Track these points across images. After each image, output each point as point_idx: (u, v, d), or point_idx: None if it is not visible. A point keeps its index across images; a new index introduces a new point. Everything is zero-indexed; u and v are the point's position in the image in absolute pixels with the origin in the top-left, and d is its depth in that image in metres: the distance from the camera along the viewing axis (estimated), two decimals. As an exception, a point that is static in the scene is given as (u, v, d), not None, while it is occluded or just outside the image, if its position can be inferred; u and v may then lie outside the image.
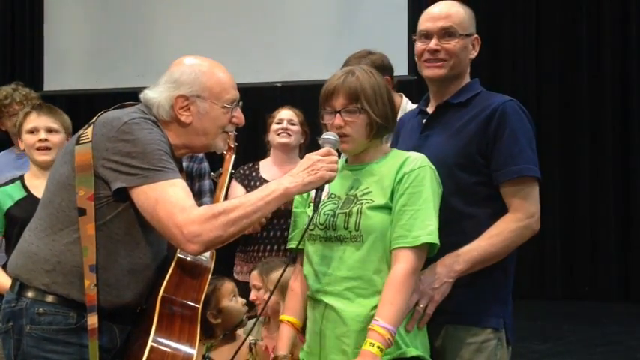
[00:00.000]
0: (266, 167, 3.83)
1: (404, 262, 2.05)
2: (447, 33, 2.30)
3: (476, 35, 2.37)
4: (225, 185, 2.64)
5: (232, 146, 2.78)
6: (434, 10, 2.36)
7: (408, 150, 2.29)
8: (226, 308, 2.83)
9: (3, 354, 2.12)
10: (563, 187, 7.12)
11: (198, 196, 3.78)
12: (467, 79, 2.39)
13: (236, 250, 3.82)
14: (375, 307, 2.06)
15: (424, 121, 2.39)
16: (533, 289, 7.10)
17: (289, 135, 3.75)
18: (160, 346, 2.00)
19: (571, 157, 7.19)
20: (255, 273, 3.20)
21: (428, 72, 2.34)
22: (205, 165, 3.88)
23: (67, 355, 2.02)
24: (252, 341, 2.86)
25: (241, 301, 2.89)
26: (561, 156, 7.13)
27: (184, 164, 3.78)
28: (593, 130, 7.18)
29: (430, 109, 2.40)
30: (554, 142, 7.14)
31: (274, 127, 3.78)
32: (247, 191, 3.68)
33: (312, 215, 2.10)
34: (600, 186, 7.16)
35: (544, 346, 5.49)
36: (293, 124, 3.78)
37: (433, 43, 2.30)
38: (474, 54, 2.37)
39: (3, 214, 2.94)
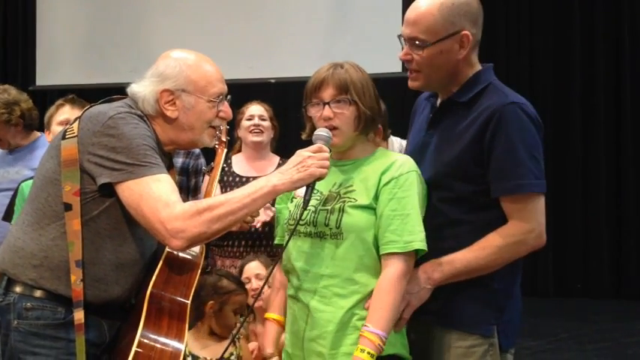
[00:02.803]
0: (239, 163, 3.80)
1: (394, 267, 2.04)
2: (413, 43, 2.12)
3: (464, 32, 2.10)
4: (217, 179, 2.63)
5: (224, 140, 2.76)
6: (409, 10, 2.16)
7: (415, 145, 2.27)
8: (225, 313, 2.83)
9: None
10: (555, 185, 7.12)
11: (194, 192, 3.77)
12: (473, 70, 2.17)
13: (210, 244, 3.79)
14: (352, 308, 2.06)
15: (431, 115, 2.26)
16: (525, 287, 6.99)
17: (262, 132, 3.73)
18: (148, 342, 1.99)
19: (563, 155, 7.20)
20: (257, 263, 3.20)
21: (408, 82, 2.22)
22: (202, 161, 3.86)
23: (55, 350, 2.01)
24: (238, 336, 2.85)
25: (237, 319, 2.88)
26: (553, 154, 7.13)
27: (181, 160, 3.78)
28: (586, 129, 7.19)
29: (439, 102, 2.25)
30: (546, 141, 7.10)
31: (245, 123, 3.74)
32: (221, 186, 3.66)
33: (301, 212, 2.07)
34: (592, 183, 7.17)
35: (536, 343, 5.50)
36: (264, 120, 3.75)
37: (403, 52, 2.17)
38: (462, 52, 2.12)
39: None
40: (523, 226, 2.08)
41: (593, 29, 7.18)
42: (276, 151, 3.89)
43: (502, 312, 2.17)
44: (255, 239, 3.62)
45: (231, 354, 2.82)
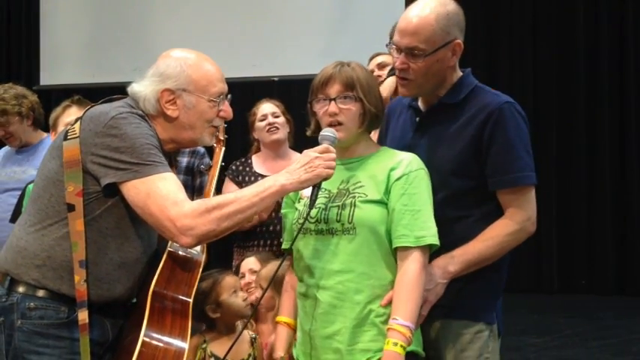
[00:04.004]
0: (259, 162, 3.80)
1: (415, 261, 2.06)
2: (411, 53, 2.18)
3: (457, 40, 2.20)
4: (216, 178, 2.63)
5: (222, 139, 2.76)
6: (403, 21, 2.21)
7: (402, 148, 2.28)
8: (225, 303, 2.82)
9: None
10: (560, 182, 7.12)
11: (199, 192, 3.77)
12: (456, 75, 2.28)
13: (234, 244, 3.81)
14: (369, 303, 2.07)
15: (417, 119, 2.32)
16: (530, 283, 7.11)
17: (278, 129, 3.71)
18: (152, 341, 2.00)
19: (568, 152, 7.19)
20: (253, 259, 3.21)
21: (399, 89, 2.30)
22: (206, 160, 3.86)
23: (58, 350, 2.02)
24: (254, 336, 2.85)
25: (242, 296, 2.88)
26: (558, 151, 7.14)
27: (186, 159, 3.78)
28: (590, 126, 7.18)
29: (422, 106, 2.33)
30: (551, 137, 7.14)
31: (260, 124, 3.73)
32: (242, 187, 3.66)
33: (308, 212, 2.09)
34: (597, 180, 7.17)
35: (541, 340, 5.51)
36: (277, 117, 3.73)
37: (399, 62, 2.21)
38: (454, 60, 2.23)
39: None
40: (522, 215, 2.20)
41: (598, 23, 7.17)
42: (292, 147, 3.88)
43: (497, 299, 2.32)
44: (281, 237, 3.62)
45: (249, 355, 2.83)
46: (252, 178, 3.70)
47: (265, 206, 2.06)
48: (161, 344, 2.00)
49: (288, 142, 3.82)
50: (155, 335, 2.01)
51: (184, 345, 2.03)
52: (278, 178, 2.04)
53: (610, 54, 7.13)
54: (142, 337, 1.98)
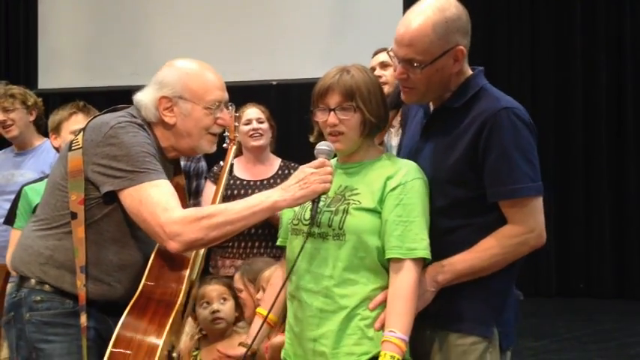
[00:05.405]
0: (240, 166, 3.79)
1: (409, 273, 2.04)
2: (409, 64, 2.10)
3: (458, 47, 2.09)
4: (225, 177, 2.65)
5: (233, 138, 2.80)
6: (399, 29, 2.11)
7: (409, 151, 2.27)
8: (197, 312, 2.87)
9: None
10: (558, 184, 7.13)
11: (196, 195, 3.78)
12: (464, 76, 2.17)
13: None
14: (355, 308, 2.06)
15: (424, 121, 2.26)
16: (527, 286, 7.09)
17: (261, 135, 3.70)
18: (127, 333, 2.03)
19: (565, 155, 7.20)
20: (237, 276, 3.17)
21: (402, 96, 2.22)
22: (203, 164, 3.87)
23: (68, 336, 2.10)
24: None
25: (212, 308, 2.88)
26: (556, 153, 7.15)
27: (182, 163, 3.76)
28: (588, 129, 7.19)
29: (432, 107, 2.25)
30: (548, 140, 7.14)
31: (243, 128, 3.71)
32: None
33: (309, 230, 2.09)
34: (595, 183, 7.18)
35: (539, 344, 5.51)
36: (262, 122, 3.72)
37: (398, 71, 2.14)
38: (457, 66, 2.12)
39: (32, 209, 3.02)
40: (523, 228, 2.11)
41: (594, 25, 7.20)
42: (277, 152, 3.89)
43: (501, 312, 2.19)
44: (255, 241, 3.63)
45: None
46: (232, 182, 3.70)
47: (256, 221, 2.07)
48: (137, 336, 2.03)
49: (270, 147, 3.83)
50: (131, 328, 2.04)
51: (158, 342, 2.04)
52: (271, 194, 2.05)
53: (607, 56, 7.15)
54: (117, 330, 2.02)
